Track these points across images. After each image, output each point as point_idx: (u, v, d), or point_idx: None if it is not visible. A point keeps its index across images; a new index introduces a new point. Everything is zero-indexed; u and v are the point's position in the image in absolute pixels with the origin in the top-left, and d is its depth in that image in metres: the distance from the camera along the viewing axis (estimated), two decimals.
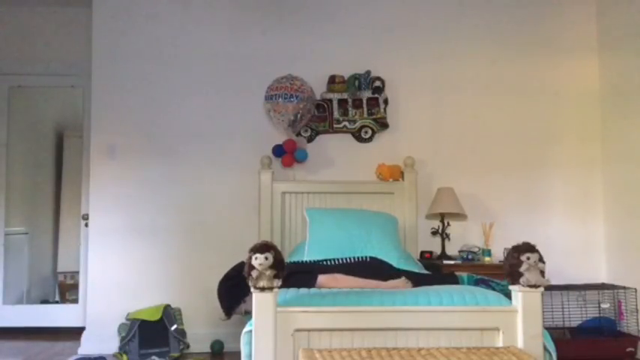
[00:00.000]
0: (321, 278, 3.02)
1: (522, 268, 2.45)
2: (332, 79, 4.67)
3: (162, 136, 4.66)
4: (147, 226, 4.59)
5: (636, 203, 4.35)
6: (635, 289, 4.31)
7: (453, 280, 3.30)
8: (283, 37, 4.73)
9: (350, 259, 3.49)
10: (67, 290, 5.44)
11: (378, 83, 4.66)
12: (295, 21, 4.75)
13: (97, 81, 4.66)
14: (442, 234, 4.50)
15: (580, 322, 4.47)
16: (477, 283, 3.27)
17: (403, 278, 3.08)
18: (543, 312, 2.66)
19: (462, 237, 4.62)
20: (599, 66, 4.81)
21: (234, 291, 3.31)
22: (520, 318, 2.47)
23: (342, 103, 4.66)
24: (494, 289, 3.07)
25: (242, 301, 3.32)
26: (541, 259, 2.47)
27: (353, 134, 4.70)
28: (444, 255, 4.44)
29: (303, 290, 2.81)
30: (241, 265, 3.16)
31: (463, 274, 3.39)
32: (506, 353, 2.24)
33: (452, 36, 4.79)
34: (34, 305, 5.38)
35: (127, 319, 4.34)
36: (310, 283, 2.98)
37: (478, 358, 2.17)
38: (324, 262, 3.46)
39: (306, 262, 3.57)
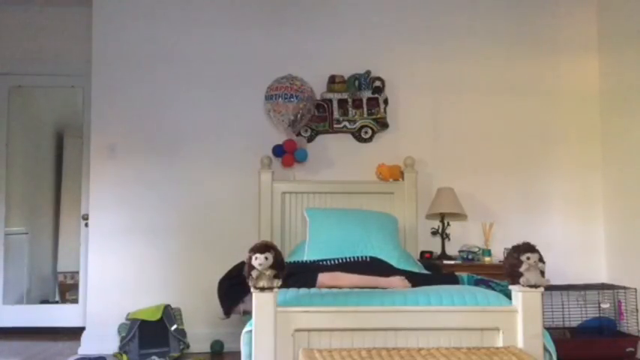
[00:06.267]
0: (322, 277, 3.03)
1: (522, 268, 2.45)
2: (332, 79, 4.67)
3: (163, 136, 4.66)
4: (147, 226, 4.59)
5: (636, 203, 4.35)
6: (635, 289, 4.31)
7: (453, 280, 3.30)
8: (283, 37, 4.73)
9: (350, 258, 3.49)
10: (67, 290, 5.44)
11: (378, 83, 4.67)
12: (295, 21, 4.75)
13: (97, 81, 4.66)
14: (442, 234, 4.50)
15: (580, 322, 4.47)
16: (477, 283, 3.27)
17: (403, 277, 3.09)
18: (543, 312, 2.66)
19: (462, 237, 4.62)
20: (599, 66, 4.81)
21: (233, 290, 3.31)
22: (520, 318, 2.47)
23: (342, 103, 4.66)
24: (494, 289, 3.07)
25: (241, 301, 3.32)
26: (541, 259, 2.47)
27: (353, 134, 4.70)
28: (444, 255, 4.44)
29: (303, 290, 2.81)
30: (242, 264, 3.16)
31: (463, 274, 3.39)
32: (506, 353, 2.24)
33: (452, 36, 4.79)
34: (34, 305, 5.38)
35: (127, 319, 4.34)
36: (310, 282, 2.98)
37: (478, 358, 2.17)
38: (324, 262, 3.46)
39: (306, 262, 3.57)
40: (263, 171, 4.45)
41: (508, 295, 2.61)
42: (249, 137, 4.66)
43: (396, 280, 3.06)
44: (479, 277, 3.37)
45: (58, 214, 5.65)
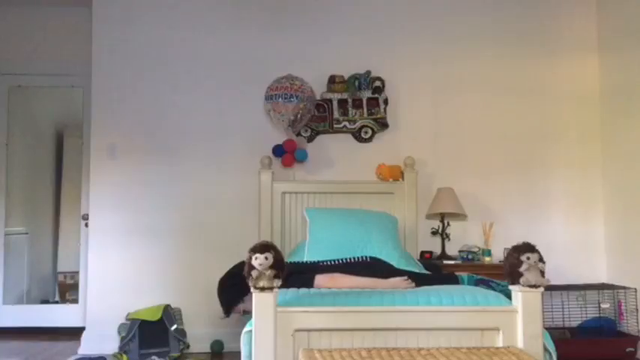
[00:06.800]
0: (319, 278, 3.02)
1: (522, 268, 2.45)
2: (332, 79, 4.67)
3: (163, 136, 4.66)
4: (147, 226, 4.59)
5: (636, 203, 4.35)
6: (635, 289, 4.31)
7: (453, 280, 3.29)
8: (283, 37, 4.73)
9: (350, 259, 3.48)
10: (67, 290, 5.44)
11: (378, 83, 4.66)
12: (295, 21, 4.75)
13: (97, 81, 4.66)
14: (442, 234, 4.50)
15: (580, 322, 4.47)
16: (477, 283, 3.26)
17: (405, 277, 3.06)
18: (543, 312, 2.66)
19: (462, 237, 4.62)
20: (599, 66, 4.81)
21: (234, 290, 3.31)
22: (520, 318, 2.47)
23: (342, 103, 4.66)
24: (494, 289, 3.06)
25: (241, 301, 3.32)
26: (541, 259, 2.47)
27: (353, 134, 4.70)
28: (444, 255, 4.44)
29: (303, 290, 2.81)
30: (241, 264, 3.15)
31: (463, 275, 3.39)
32: (506, 353, 2.24)
33: (452, 36, 4.79)
34: (34, 305, 5.38)
35: (127, 319, 4.34)
36: (308, 284, 2.97)
37: (478, 358, 2.17)
38: (324, 262, 3.45)
39: (306, 262, 3.57)
40: (263, 171, 4.45)
41: (508, 295, 2.61)
42: (249, 137, 4.66)
43: (398, 282, 3.03)
44: (479, 277, 3.37)
45: (58, 214, 5.65)
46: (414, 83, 4.76)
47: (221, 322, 3.93)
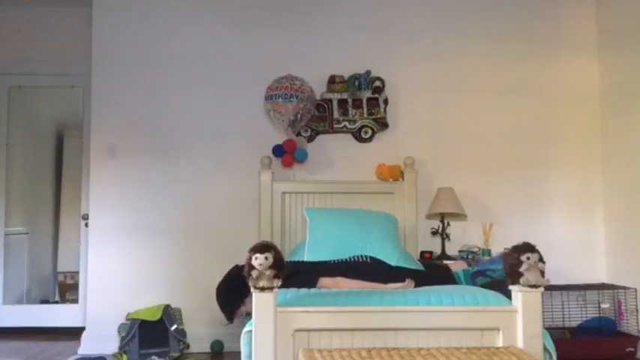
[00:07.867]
0: (323, 281, 3.02)
1: (522, 268, 2.45)
2: (332, 79, 4.67)
3: (162, 136, 4.66)
4: (147, 226, 4.59)
5: (636, 203, 4.35)
6: (635, 289, 4.31)
7: (449, 275, 3.28)
8: (283, 37, 4.73)
9: (350, 259, 3.48)
10: (67, 290, 5.44)
11: (378, 83, 4.66)
12: (295, 21, 4.75)
13: (97, 81, 4.66)
14: (442, 234, 4.49)
15: (580, 322, 4.47)
16: (474, 276, 3.26)
17: (407, 281, 3.05)
18: (543, 312, 2.66)
19: (462, 237, 4.62)
20: (599, 66, 4.81)
21: (233, 294, 3.30)
22: (520, 318, 2.47)
23: (342, 103, 4.66)
24: (491, 277, 3.06)
25: (242, 304, 3.31)
26: (541, 259, 2.47)
27: (353, 134, 4.70)
28: (444, 255, 4.44)
29: (303, 290, 2.81)
30: (236, 268, 3.16)
31: (459, 271, 3.38)
32: (506, 353, 2.24)
33: (452, 36, 4.79)
34: (34, 305, 5.38)
35: (127, 319, 4.34)
36: (311, 284, 2.97)
37: (478, 358, 2.17)
38: (325, 263, 3.44)
39: (306, 262, 3.57)
40: (263, 171, 4.45)
41: (508, 295, 2.60)
42: (249, 137, 4.66)
43: (401, 287, 3.01)
44: (474, 269, 3.36)
45: (58, 214, 5.65)
46: (414, 83, 4.76)
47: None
